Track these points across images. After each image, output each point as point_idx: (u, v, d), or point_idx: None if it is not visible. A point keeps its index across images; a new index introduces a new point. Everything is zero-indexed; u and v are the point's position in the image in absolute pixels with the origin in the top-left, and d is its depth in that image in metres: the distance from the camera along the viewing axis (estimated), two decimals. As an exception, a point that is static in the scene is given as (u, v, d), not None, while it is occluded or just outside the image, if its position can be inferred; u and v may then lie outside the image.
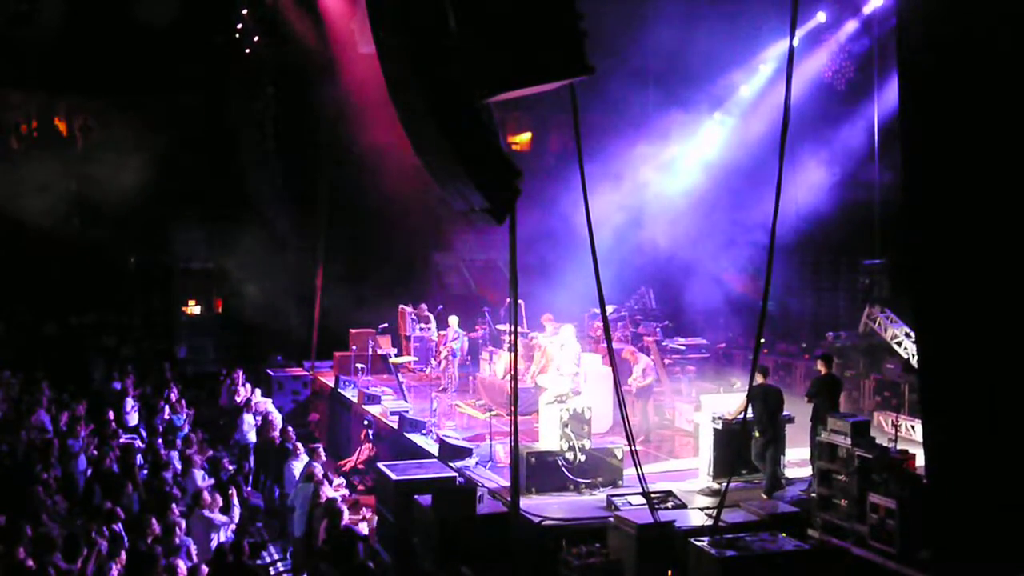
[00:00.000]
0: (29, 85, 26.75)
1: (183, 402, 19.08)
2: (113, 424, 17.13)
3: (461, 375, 19.51)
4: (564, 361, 15.03)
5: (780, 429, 12.81)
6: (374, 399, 18.08)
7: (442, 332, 20.03)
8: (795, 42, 9.62)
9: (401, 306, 21.91)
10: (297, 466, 14.34)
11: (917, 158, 10.17)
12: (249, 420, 18.04)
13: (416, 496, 12.07)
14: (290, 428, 16.29)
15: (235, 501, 12.68)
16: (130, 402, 19.25)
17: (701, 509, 11.65)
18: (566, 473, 12.64)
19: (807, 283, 22.42)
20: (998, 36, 9.27)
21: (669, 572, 10.18)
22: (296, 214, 25.73)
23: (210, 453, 16.57)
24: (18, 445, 15.74)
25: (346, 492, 14.09)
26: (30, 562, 10.03)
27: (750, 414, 12.24)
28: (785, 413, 13.02)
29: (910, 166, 10.35)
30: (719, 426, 12.96)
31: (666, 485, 12.24)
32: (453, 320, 19.67)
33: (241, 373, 20.87)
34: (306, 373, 22.49)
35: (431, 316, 20.94)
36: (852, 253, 20.00)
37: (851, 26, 19.83)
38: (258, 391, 20.19)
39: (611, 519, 10.97)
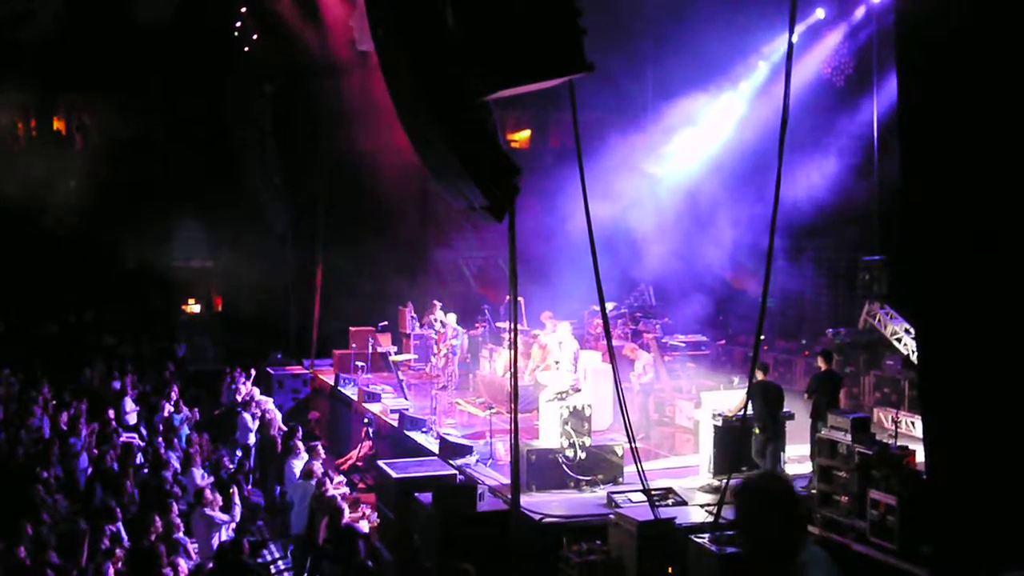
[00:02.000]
0: (28, 84, 26.73)
1: (180, 402, 19.05)
2: (113, 423, 17.13)
3: (461, 372, 19.51)
4: (562, 359, 15.03)
5: (780, 426, 12.82)
6: (374, 397, 18.07)
7: (441, 330, 20.02)
8: (794, 38, 9.62)
9: (402, 308, 21.92)
10: (298, 464, 14.35)
11: (916, 154, 10.15)
12: (249, 419, 18.04)
13: (417, 494, 12.07)
14: (299, 427, 16.30)
15: (236, 500, 12.68)
16: (130, 401, 19.24)
17: (701, 506, 11.66)
18: (566, 470, 12.64)
19: (807, 280, 22.40)
20: (998, 31, 9.26)
21: (670, 569, 10.18)
22: (295, 212, 25.72)
23: (213, 455, 16.58)
24: (18, 444, 15.74)
25: (346, 490, 14.09)
26: (30, 561, 10.04)
27: (750, 411, 12.24)
28: (785, 410, 13.03)
29: (909, 162, 10.34)
30: (719, 423, 12.96)
31: (666, 482, 12.25)
32: (451, 318, 19.65)
33: (246, 372, 20.85)
34: (306, 371, 22.49)
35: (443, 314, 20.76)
36: (852, 249, 19.99)
37: (850, 22, 19.80)
38: (256, 389, 20.18)
39: (611, 516, 10.97)
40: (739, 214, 19.07)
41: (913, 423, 14.28)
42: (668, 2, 19.68)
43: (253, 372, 20.79)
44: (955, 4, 9.52)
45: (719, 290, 20.84)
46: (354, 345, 21.18)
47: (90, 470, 14.75)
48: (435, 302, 21.08)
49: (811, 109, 19.43)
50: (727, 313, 21.26)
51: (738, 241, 19.41)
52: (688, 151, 21.56)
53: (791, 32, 9.41)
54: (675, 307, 19.90)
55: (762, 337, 10.99)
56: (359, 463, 16.91)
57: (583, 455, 12.71)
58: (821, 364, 13.33)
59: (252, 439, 17.75)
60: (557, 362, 14.82)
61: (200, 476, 14.14)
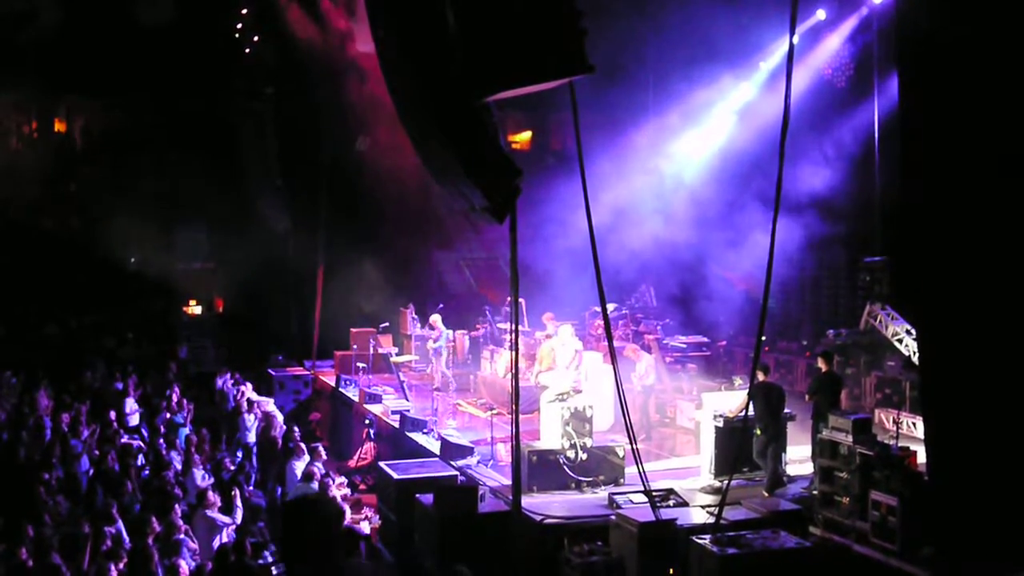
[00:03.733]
0: (29, 86, 26.77)
1: (184, 401, 19.04)
2: (115, 424, 17.13)
3: (462, 373, 19.49)
4: (563, 360, 15.03)
5: (781, 427, 12.82)
6: (375, 398, 18.07)
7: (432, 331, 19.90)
8: (795, 39, 9.62)
9: (403, 309, 21.91)
10: (299, 466, 14.34)
11: (917, 155, 10.17)
12: (250, 420, 18.03)
13: (418, 495, 12.07)
14: (296, 428, 16.29)
15: (237, 502, 12.67)
16: (131, 403, 19.22)
17: (703, 507, 11.66)
18: (567, 471, 12.63)
19: (807, 280, 22.41)
20: (999, 32, 9.27)
21: (671, 570, 10.18)
22: (296, 213, 25.72)
23: (217, 456, 16.56)
24: (19, 446, 15.74)
25: (347, 491, 14.09)
26: (31, 562, 10.04)
27: (751, 412, 12.23)
28: (786, 411, 13.02)
29: (910, 163, 10.35)
30: (720, 424, 12.95)
31: (668, 483, 12.24)
32: (436, 319, 19.52)
33: (236, 374, 20.87)
34: (307, 372, 22.49)
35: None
36: (853, 250, 19.99)
37: (851, 23, 19.81)
38: (247, 386, 20.14)
39: (613, 517, 10.97)
40: (740, 214, 19.06)
41: (914, 424, 14.28)
42: (670, 1, 19.69)
43: (250, 385, 20.66)
44: (955, 6, 9.53)
45: (724, 292, 20.81)
46: (355, 346, 21.17)
47: (91, 471, 14.74)
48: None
49: (812, 110, 19.44)
50: (729, 314, 21.22)
51: (738, 241, 19.41)
52: (689, 151, 21.56)
53: (792, 33, 9.43)
54: (676, 307, 19.91)
55: (763, 338, 10.99)
56: (363, 465, 16.89)
57: (584, 456, 12.70)
58: (822, 365, 13.32)
59: (253, 440, 17.74)
60: (552, 365, 14.77)
61: (201, 477, 14.12)
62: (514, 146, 26.62)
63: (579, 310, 19.04)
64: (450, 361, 19.25)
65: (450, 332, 19.51)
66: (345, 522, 11.68)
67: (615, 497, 11.62)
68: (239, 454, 17.68)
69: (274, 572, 12.76)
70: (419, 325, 21.55)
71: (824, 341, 17.93)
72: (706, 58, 20.05)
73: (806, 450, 13.00)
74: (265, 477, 16.89)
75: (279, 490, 15.53)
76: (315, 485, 12.93)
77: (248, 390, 19.93)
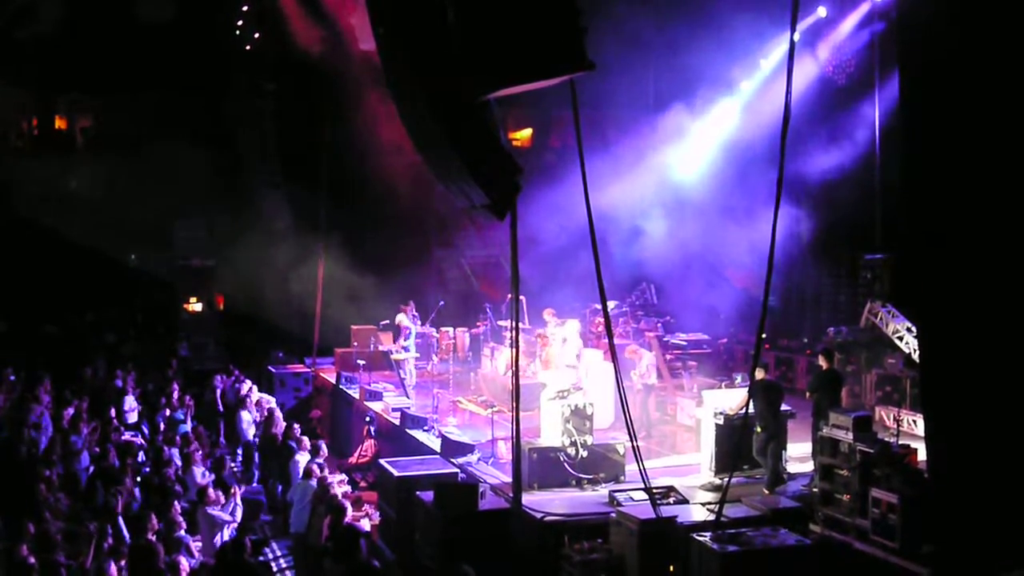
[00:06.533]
0: (29, 84, 26.75)
1: (186, 398, 19.06)
2: (115, 421, 17.15)
3: (462, 371, 19.47)
4: (565, 356, 15.02)
5: (782, 424, 12.81)
6: (376, 395, 18.07)
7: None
8: (796, 37, 9.62)
9: (404, 306, 21.91)
10: (301, 462, 14.35)
11: (918, 152, 10.15)
12: (248, 417, 18.03)
13: (418, 492, 12.07)
14: (296, 425, 16.30)
15: (237, 499, 12.68)
16: (130, 400, 19.24)
17: (703, 504, 11.65)
18: (568, 469, 12.64)
19: (809, 278, 22.40)
20: (1000, 31, 9.25)
21: (671, 567, 10.18)
22: (297, 211, 25.72)
23: (217, 452, 16.56)
24: (20, 443, 15.75)
25: (348, 488, 14.09)
26: (32, 559, 10.04)
27: (751, 409, 12.23)
28: (787, 408, 13.02)
29: (911, 160, 10.33)
30: (721, 421, 12.95)
31: (668, 480, 12.24)
32: (401, 318, 19.15)
33: (231, 373, 20.90)
34: (308, 370, 22.50)
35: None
36: (854, 248, 19.98)
37: (852, 20, 19.82)
38: (247, 384, 20.14)
39: (613, 515, 10.97)
40: (741, 211, 19.05)
41: (915, 421, 14.28)
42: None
43: (249, 382, 20.66)
44: (957, 4, 9.51)
45: (724, 290, 20.82)
46: (356, 343, 21.17)
47: (91, 468, 14.75)
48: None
49: (813, 108, 19.41)
50: (729, 311, 21.22)
51: (739, 239, 19.41)
52: (690, 147, 21.54)
53: (792, 31, 9.42)
54: (677, 305, 19.88)
55: (763, 336, 10.98)
56: (364, 462, 16.89)
57: (585, 453, 12.71)
58: (823, 362, 13.32)
59: (251, 437, 17.74)
60: (553, 361, 14.75)
61: (201, 474, 14.13)
62: (515, 143, 26.61)
63: (580, 307, 19.04)
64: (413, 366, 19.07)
65: (430, 328, 19.53)
66: (346, 519, 11.68)
67: (615, 494, 11.62)
68: (239, 451, 17.71)
69: (274, 569, 12.79)
70: (419, 323, 21.56)
71: (825, 339, 17.92)
72: (709, 56, 20.03)
73: (806, 447, 13.00)
74: (266, 474, 16.90)
75: (279, 487, 15.55)
76: (314, 482, 12.94)
77: (248, 386, 19.93)
